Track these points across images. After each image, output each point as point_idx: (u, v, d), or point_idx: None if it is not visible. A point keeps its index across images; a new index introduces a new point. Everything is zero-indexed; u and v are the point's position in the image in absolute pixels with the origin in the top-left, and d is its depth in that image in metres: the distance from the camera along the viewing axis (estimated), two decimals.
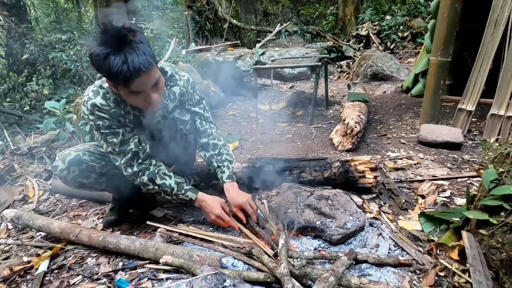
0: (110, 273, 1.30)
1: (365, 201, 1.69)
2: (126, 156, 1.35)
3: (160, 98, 1.29)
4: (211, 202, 1.44)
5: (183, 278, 1.19)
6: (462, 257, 1.19)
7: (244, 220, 1.43)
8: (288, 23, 9.12)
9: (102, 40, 1.08)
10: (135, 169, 1.37)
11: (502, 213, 1.08)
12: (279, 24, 8.75)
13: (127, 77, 1.10)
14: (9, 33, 4.02)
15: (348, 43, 7.58)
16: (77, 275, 1.32)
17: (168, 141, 1.53)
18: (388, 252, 1.30)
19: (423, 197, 1.72)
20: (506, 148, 1.19)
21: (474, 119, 2.70)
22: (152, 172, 1.39)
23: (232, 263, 1.24)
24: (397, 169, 2.07)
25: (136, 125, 1.40)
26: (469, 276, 1.07)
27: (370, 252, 1.30)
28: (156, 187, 1.40)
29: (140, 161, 1.38)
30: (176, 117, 1.49)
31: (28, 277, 1.37)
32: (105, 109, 1.28)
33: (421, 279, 1.15)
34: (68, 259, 1.44)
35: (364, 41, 7.79)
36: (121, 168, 1.37)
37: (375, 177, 1.71)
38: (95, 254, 1.44)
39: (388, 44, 7.32)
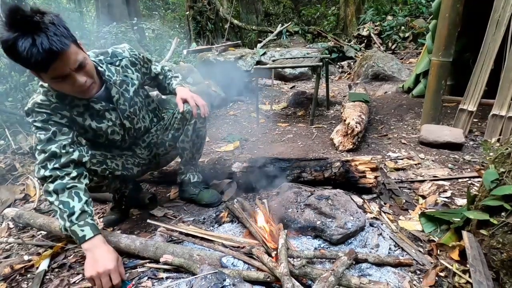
0: None
1: (365, 201, 1.68)
2: (45, 155, 1.21)
3: (91, 81, 1.22)
4: (106, 253, 1.15)
5: (183, 277, 1.20)
6: (463, 258, 1.19)
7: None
8: (289, 23, 9.11)
9: (8, 24, 1.00)
10: (47, 173, 1.19)
11: (502, 214, 1.08)
12: (280, 25, 8.75)
13: (39, 61, 1.02)
14: None
15: (349, 44, 7.58)
16: (78, 274, 1.32)
17: (139, 115, 1.53)
18: (388, 252, 1.30)
19: (423, 197, 1.71)
20: (507, 148, 1.19)
21: (475, 120, 2.70)
22: (62, 184, 1.19)
23: (232, 263, 1.24)
24: (397, 169, 2.07)
25: (95, 115, 1.36)
26: (470, 276, 1.07)
27: (370, 252, 1.30)
28: (56, 202, 1.18)
29: (56, 165, 1.21)
30: (137, 89, 1.50)
31: (28, 275, 1.37)
32: (45, 104, 1.22)
33: (421, 279, 1.15)
34: (69, 258, 1.44)
35: (365, 41, 7.79)
36: (35, 169, 1.24)
37: (375, 177, 1.71)
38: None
39: (390, 44, 7.31)
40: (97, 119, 1.38)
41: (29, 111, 1.22)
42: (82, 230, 1.16)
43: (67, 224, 1.16)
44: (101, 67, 1.34)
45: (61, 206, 1.17)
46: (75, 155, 1.26)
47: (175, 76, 1.70)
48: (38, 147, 1.23)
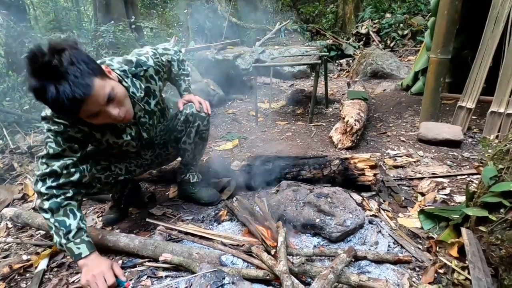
0: None
1: (364, 198, 1.68)
2: (46, 169, 1.19)
3: (125, 111, 1.18)
4: (100, 262, 1.19)
5: (182, 276, 1.19)
6: (462, 254, 1.19)
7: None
8: (288, 21, 9.09)
9: (30, 72, 0.98)
10: (43, 189, 1.19)
11: (501, 210, 1.08)
12: (278, 23, 8.73)
13: (67, 109, 1.02)
14: (8, 32, 4.01)
15: (348, 41, 7.57)
16: (76, 273, 1.32)
17: (156, 124, 1.52)
18: (388, 250, 1.30)
19: (422, 194, 1.72)
20: (505, 145, 1.19)
21: (474, 117, 2.70)
22: (57, 202, 1.19)
23: (232, 261, 1.24)
24: (396, 167, 2.07)
25: (115, 131, 1.34)
26: (469, 273, 1.07)
27: (369, 249, 1.30)
28: (51, 220, 1.19)
29: (54, 184, 1.20)
30: (160, 101, 1.48)
31: (27, 275, 1.37)
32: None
33: (420, 276, 1.15)
34: (68, 257, 1.43)
35: (364, 39, 7.78)
36: (34, 179, 1.24)
37: (374, 175, 1.71)
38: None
39: (388, 42, 7.31)
40: (117, 134, 1.35)
41: (47, 118, 1.18)
42: (78, 248, 1.18)
43: (63, 241, 1.18)
44: (126, 82, 1.28)
45: (56, 224, 1.19)
46: (75, 177, 1.25)
47: (185, 74, 1.65)
48: (43, 159, 1.20)
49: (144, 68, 1.36)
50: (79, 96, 0.99)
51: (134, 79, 1.32)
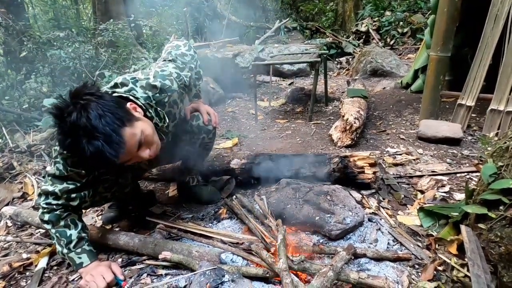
0: None
1: (364, 196, 1.68)
2: (49, 187, 1.18)
3: (154, 149, 1.17)
4: (96, 267, 1.21)
5: (182, 274, 1.20)
6: (461, 252, 1.19)
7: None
8: (288, 19, 9.08)
9: (61, 131, 0.98)
10: (43, 204, 1.20)
11: (500, 207, 1.08)
12: (278, 21, 8.72)
13: (102, 165, 1.02)
14: (7, 30, 4.00)
15: (348, 39, 7.56)
16: (76, 271, 1.32)
17: (176, 146, 1.52)
18: (387, 247, 1.31)
19: (422, 192, 1.72)
20: (505, 142, 1.19)
21: (473, 115, 2.70)
22: (57, 215, 1.20)
23: (231, 259, 1.24)
24: (396, 165, 2.07)
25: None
26: (468, 270, 1.07)
27: (369, 247, 1.30)
28: (53, 231, 1.21)
29: (54, 202, 1.19)
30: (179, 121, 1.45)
31: (27, 273, 1.37)
32: None
33: (419, 273, 1.15)
34: None
35: (363, 37, 7.77)
36: (39, 190, 1.24)
37: (374, 173, 1.71)
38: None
39: (388, 40, 7.30)
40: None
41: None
42: (80, 258, 1.22)
43: (65, 251, 1.21)
44: (150, 112, 1.22)
45: (58, 234, 1.21)
46: (75, 203, 1.23)
47: (197, 78, 1.59)
48: (49, 177, 1.19)
49: (169, 94, 1.29)
50: (112, 157, 0.99)
51: (158, 108, 1.26)
